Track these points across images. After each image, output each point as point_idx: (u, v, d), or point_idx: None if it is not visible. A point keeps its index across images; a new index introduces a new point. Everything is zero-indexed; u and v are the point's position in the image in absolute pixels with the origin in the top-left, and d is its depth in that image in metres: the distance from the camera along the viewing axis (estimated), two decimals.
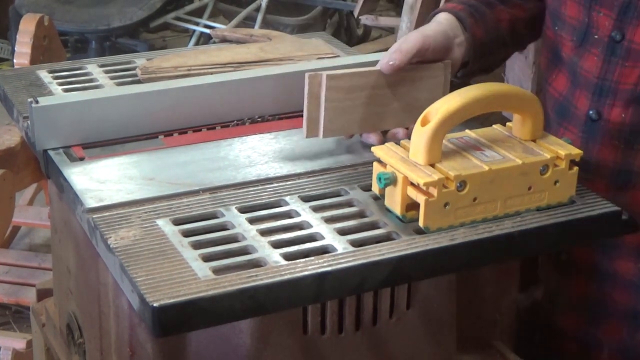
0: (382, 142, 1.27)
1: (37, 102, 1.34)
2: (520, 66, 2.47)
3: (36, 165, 2.60)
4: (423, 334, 1.27)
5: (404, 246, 1.12)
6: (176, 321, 1.01)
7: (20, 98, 1.48)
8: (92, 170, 1.29)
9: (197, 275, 1.05)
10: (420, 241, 1.13)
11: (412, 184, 1.14)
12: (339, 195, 1.24)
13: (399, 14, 3.49)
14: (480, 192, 1.16)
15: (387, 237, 1.14)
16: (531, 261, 1.54)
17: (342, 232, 1.15)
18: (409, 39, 1.35)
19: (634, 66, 1.33)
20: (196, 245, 1.11)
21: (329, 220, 1.17)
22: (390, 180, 1.15)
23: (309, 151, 1.35)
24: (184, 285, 1.03)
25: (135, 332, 1.17)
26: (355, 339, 1.22)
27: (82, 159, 1.34)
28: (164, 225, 1.15)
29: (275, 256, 1.09)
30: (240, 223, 1.16)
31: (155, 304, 0.99)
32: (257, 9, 4.89)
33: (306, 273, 1.06)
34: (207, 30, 4.64)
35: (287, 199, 1.22)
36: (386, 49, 1.39)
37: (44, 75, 1.58)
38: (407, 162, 1.16)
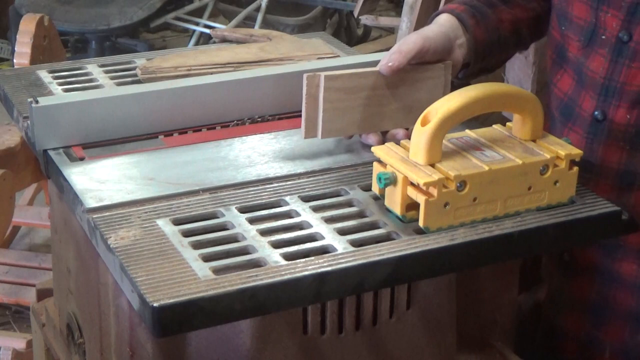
0: (382, 143, 1.27)
1: (37, 102, 1.34)
2: (520, 66, 2.47)
3: (36, 165, 2.60)
4: (423, 334, 1.27)
5: (404, 246, 1.12)
6: (176, 321, 1.01)
7: (20, 98, 1.48)
8: (92, 170, 1.29)
9: (197, 275, 1.05)
10: (420, 241, 1.13)
11: (412, 184, 1.14)
12: (339, 195, 1.24)
13: (399, 14, 3.48)
14: (480, 192, 1.16)
15: (387, 237, 1.14)
16: (534, 262, 1.54)
17: (342, 232, 1.15)
18: (408, 41, 1.35)
19: None
20: (196, 245, 1.11)
21: (329, 220, 1.17)
22: (390, 180, 1.15)
23: (309, 151, 1.35)
24: (184, 285, 1.03)
25: (135, 332, 1.17)
26: (355, 339, 1.22)
27: (82, 159, 1.34)
28: (164, 225, 1.15)
29: (275, 256, 1.09)
30: (240, 223, 1.16)
31: (155, 304, 0.99)
32: (257, 9, 4.89)
33: (306, 273, 1.06)
34: (207, 30, 4.64)
35: (287, 199, 1.22)
36: (386, 49, 1.39)
37: (44, 75, 1.58)
38: (407, 162, 1.16)
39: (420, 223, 1.14)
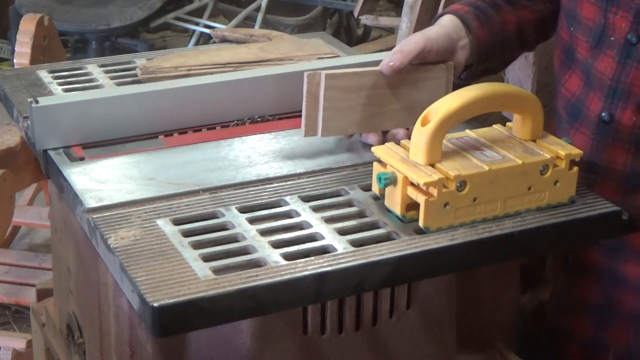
0: (382, 143, 1.27)
1: (37, 102, 1.34)
2: (520, 66, 2.46)
3: (36, 165, 2.60)
4: (423, 334, 1.27)
5: (404, 246, 1.12)
6: (176, 321, 1.01)
7: (20, 98, 1.48)
8: (92, 170, 1.29)
9: (197, 275, 1.05)
10: (420, 241, 1.13)
11: (412, 184, 1.14)
12: (339, 195, 1.24)
13: (399, 14, 3.48)
14: (480, 192, 1.15)
15: (387, 237, 1.14)
16: (538, 262, 1.54)
17: (342, 232, 1.15)
18: (411, 41, 1.34)
19: None
20: (196, 245, 1.11)
21: (329, 220, 1.17)
22: (390, 180, 1.15)
23: (309, 151, 1.35)
24: (184, 285, 1.03)
25: (135, 332, 1.17)
26: (355, 339, 1.22)
27: (82, 159, 1.34)
28: (164, 225, 1.15)
29: (275, 256, 1.09)
30: (240, 223, 1.16)
31: (155, 304, 0.99)
32: (257, 9, 4.89)
33: (306, 273, 1.06)
34: (207, 30, 4.64)
35: (287, 199, 1.22)
36: (386, 49, 1.39)
37: (44, 75, 1.58)
38: (407, 162, 1.16)
39: (420, 223, 1.14)
